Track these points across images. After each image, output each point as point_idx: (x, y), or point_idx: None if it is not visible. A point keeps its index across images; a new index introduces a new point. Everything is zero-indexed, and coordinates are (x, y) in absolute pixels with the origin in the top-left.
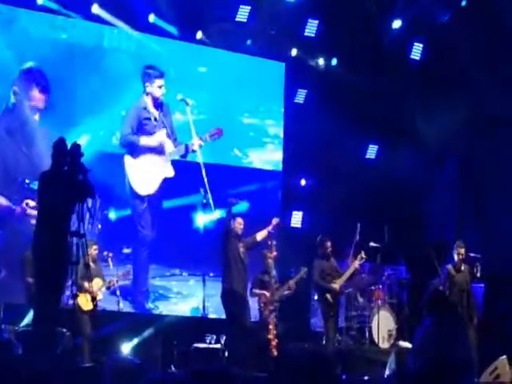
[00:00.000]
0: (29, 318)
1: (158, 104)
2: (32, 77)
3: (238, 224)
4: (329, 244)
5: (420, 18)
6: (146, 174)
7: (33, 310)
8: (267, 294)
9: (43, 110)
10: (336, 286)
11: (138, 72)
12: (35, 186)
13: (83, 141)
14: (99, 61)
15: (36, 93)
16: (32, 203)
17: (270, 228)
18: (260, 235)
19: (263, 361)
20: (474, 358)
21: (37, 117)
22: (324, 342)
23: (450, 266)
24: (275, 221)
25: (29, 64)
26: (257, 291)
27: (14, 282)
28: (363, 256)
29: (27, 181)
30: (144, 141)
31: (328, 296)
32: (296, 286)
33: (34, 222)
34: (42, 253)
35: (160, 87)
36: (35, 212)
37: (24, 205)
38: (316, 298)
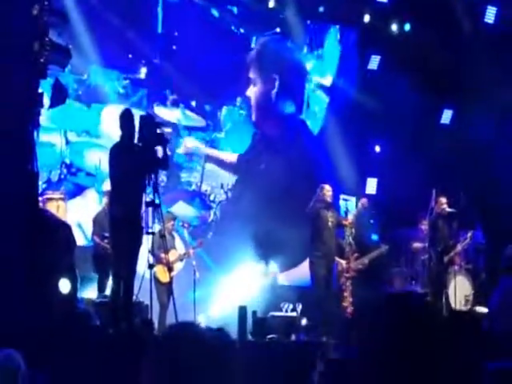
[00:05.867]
0: (105, 288)
1: None
2: None
3: (326, 191)
4: (443, 201)
5: None
6: None
7: (111, 280)
8: (343, 262)
9: None
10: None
11: None
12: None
13: None
14: None
15: None
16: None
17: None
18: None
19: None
20: None
21: None
22: None
23: None
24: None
25: None
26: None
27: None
28: (469, 241)
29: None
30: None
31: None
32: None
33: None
34: (117, 223)
35: None
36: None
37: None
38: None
